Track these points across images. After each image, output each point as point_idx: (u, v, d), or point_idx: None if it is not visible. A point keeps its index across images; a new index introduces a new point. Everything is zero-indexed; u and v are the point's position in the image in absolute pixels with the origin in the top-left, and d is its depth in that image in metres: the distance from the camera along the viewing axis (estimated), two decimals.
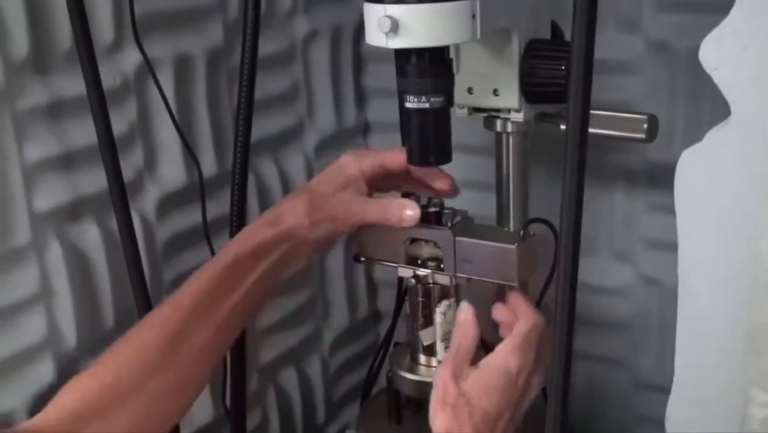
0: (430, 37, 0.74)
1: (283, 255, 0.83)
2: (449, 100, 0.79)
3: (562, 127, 0.83)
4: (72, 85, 0.86)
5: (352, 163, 0.85)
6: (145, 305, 0.93)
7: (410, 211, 0.81)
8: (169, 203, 1.00)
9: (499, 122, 0.91)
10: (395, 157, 0.85)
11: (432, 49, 0.77)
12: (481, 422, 0.75)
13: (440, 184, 0.86)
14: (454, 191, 0.87)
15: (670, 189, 0.63)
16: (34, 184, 0.85)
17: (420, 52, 0.77)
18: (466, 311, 0.80)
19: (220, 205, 1.03)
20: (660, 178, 1.08)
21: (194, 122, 1.02)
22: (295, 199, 0.84)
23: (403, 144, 0.85)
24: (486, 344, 0.82)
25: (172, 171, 1.00)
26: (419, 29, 0.74)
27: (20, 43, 0.82)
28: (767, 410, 0.46)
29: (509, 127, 0.91)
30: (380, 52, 1.16)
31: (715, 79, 0.52)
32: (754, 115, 0.47)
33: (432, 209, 0.84)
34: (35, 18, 0.83)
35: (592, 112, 0.87)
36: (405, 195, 0.86)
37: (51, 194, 0.87)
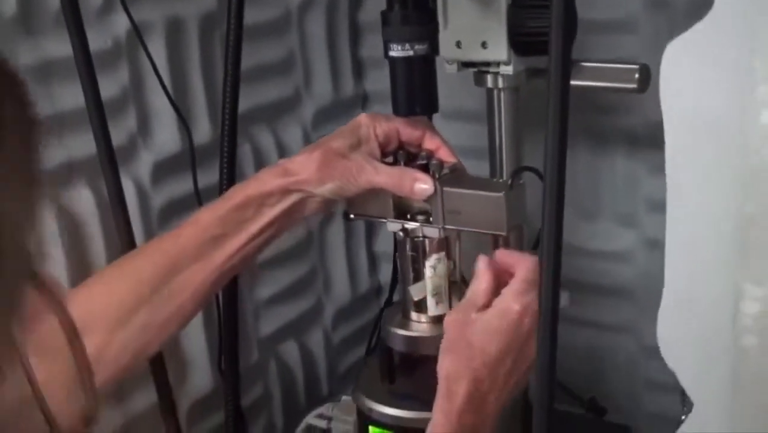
0: None
1: (289, 206, 0.83)
2: (433, 48, 0.79)
3: None
4: (62, 47, 0.86)
5: (368, 124, 0.85)
6: None
7: (424, 184, 0.81)
8: (164, 169, 1.00)
9: (489, 78, 0.90)
10: (412, 131, 0.86)
11: None
12: (481, 364, 0.74)
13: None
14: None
15: None
16: None
17: None
18: (483, 261, 0.79)
19: (215, 173, 1.02)
20: (662, 138, 1.06)
21: (188, 88, 1.02)
22: (309, 152, 0.84)
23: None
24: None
25: (166, 137, 1.00)
26: None
27: (8, 2, 0.82)
28: (760, 305, 0.45)
29: (500, 83, 0.90)
30: (377, 22, 1.16)
31: None
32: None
33: (420, 162, 0.83)
34: None
35: (582, 63, 0.88)
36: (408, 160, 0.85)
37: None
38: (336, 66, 1.20)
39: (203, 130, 1.04)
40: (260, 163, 1.11)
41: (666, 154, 0.50)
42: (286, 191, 0.83)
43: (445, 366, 0.75)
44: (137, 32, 0.92)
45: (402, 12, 0.77)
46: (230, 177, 0.96)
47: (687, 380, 0.51)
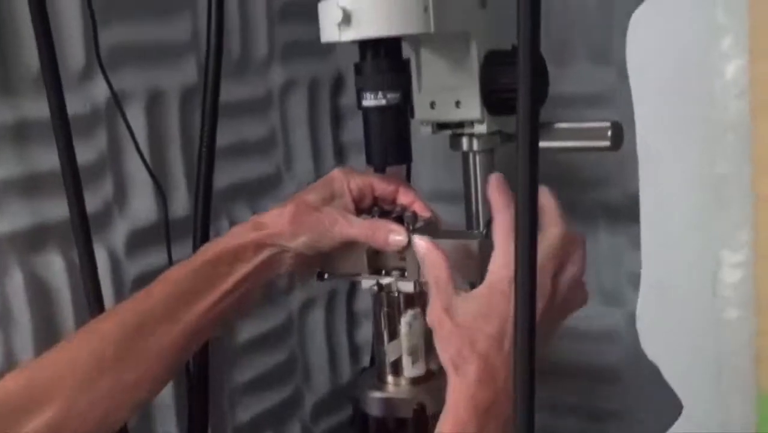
0: (381, 26, 0.75)
1: (263, 262, 0.82)
2: (406, 98, 0.79)
3: None
4: (40, 108, 0.87)
5: (342, 179, 0.85)
6: None
7: (398, 236, 0.80)
8: (140, 239, 0.99)
9: (464, 140, 0.90)
10: (386, 187, 0.85)
11: (387, 45, 0.78)
12: (487, 346, 0.70)
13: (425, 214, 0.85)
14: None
15: None
16: None
17: (375, 48, 0.78)
18: (421, 245, 0.76)
19: (191, 246, 1.01)
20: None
21: (167, 158, 1.02)
22: (282, 206, 0.84)
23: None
24: None
25: (142, 206, 0.99)
26: (371, 19, 0.75)
27: None
28: (739, 271, 0.43)
29: (475, 145, 0.90)
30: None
31: None
32: None
33: (393, 215, 0.82)
34: (3, 39, 0.85)
35: (553, 125, 0.88)
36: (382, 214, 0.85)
37: (12, 217, 0.86)
38: (317, 147, 1.21)
39: (181, 203, 1.03)
40: None
41: (636, 122, 0.49)
42: (259, 246, 0.82)
43: (451, 361, 0.71)
44: (115, 98, 0.93)
45: (374, 61, 0.78)
46: None
47: (671, 373, 0.48)
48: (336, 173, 0.85)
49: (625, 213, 1.07)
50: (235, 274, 0.81)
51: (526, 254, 0.57)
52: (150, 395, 0.81)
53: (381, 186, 0.85)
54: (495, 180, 0.77)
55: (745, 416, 0.46)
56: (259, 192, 1.14)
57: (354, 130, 1.24)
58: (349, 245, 0.83)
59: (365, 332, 1.28)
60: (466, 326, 0.71)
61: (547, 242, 0.73)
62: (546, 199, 0.76)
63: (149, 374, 0.78)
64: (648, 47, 0.48)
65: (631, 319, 1.07)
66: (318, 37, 1.18)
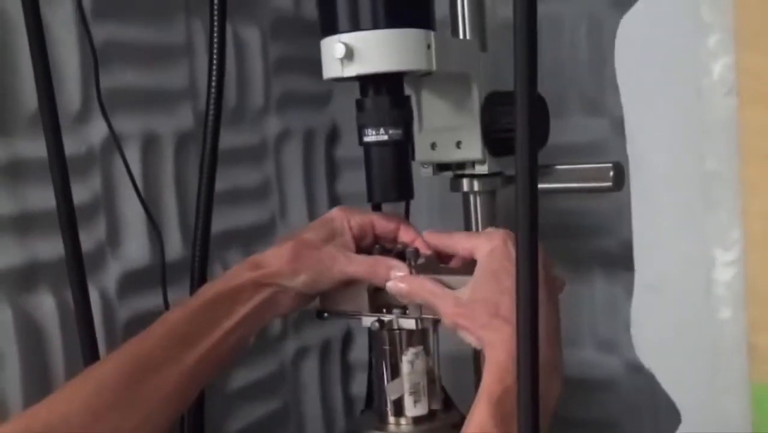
0: (383, 62, 0.76)
1: (262, 302, 0.80)
2: (408, 135, 0.79)
3: None
4: (35, 148, 0.86)
5: (341, 217, 0.84)
6: None
7: (399, 272, 0.79)
8: (132, 282, 0.97)
9: (465, 182, 0.90)
10: (386, 225, 0.85)
11: (389, 81, 0.78)
12: (509, 306, 0.68)
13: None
14: None
15: None
16: None
17: (377, 84, 0.78)
18: (398, 286, 0.78)
19: (183, 291, 0.99)
20: None
21: (161, 203, 1.01)
22: (281, 245, 0.82)
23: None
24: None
25: (136, 248, 0.98)
26: (373, 55, 0.75)
27: None
28: (731, 269, 0.42)
29: (476, 186, 0.90)
30: (353, 157, 1.18)
31: None
32: None
33: (394, 252, 0.81)
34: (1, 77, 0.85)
35: (555, 167, 0.89)
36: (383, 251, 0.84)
37: (3, 255, 0.85)
38: (312, 197, 1.21)
39: (174, 247, 1.02)
40: None
41: (625, 125, 0.50)
42: (258, 285, 0.80)
43: (483, 334, 0.72)
44: (114, 138, 0.92)
45: (376, 97, 0.78)
46: None
47: (666, 377, 0.47)
48: (336, 212, 0.85)
49: (621, 262, 1.07)
50: (234, 315, 0.79)
51: (527, 296, 0.56)
52: None
53: (381, 224, 0.84)
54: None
55: (742, 414, 0.45)
56: (253, 239, 1.12)
57: (349, 181, 1.24)
58: (349, 284, 0.82)
59: (360, 383, 1.25)
60: (480, 300, 0.72)
61: (492, 254, 0.75)
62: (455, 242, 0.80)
63: (149, 422, 0.75)
64: (636, 49, 0.49)
65: (629, 367, 1.08)
66: (314, 89, 1.20)
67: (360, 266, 0.80)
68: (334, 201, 1.24)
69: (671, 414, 1.02)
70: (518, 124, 0.56)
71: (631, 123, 0.50)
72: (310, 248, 0.81)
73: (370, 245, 0.84)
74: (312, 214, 1.20)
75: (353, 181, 1.23)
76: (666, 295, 0.49)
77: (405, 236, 0.84)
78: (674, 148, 0.47)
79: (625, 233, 1.06)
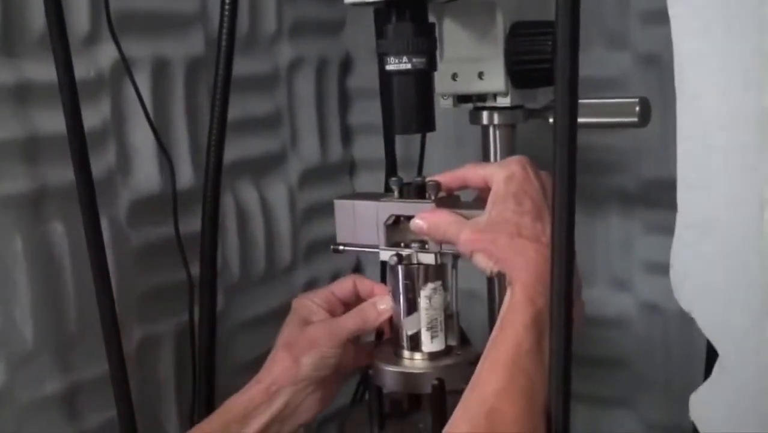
0: None
1: (279, 410, 0.81)
2: (431, 64, 0.76)
3: (551, 120, 0.81)
4: (43, 71, 0.83)
5: (304, 303, 0.85)
6: (110, 313, 0.86)
7: (383, 304, 0.82)
8: (143, 209, 0.95)
9: (485, 114, 0.88)
10: (342, 286, 0.87)
11: (412, 7, 0.75)
12: (530, 225, 0.71)
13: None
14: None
15: (666, 208, 0.59)
16: None
17: (400, 10, 0.75)
18: (416, 223, 0.77)
19: (193, 219, 0.97)
20: (655, 196, 1.04)
21: (171, 130, 0.98)
22: (272, 353, 0.83)
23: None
24: None
25: (146, 175, 0.96)
26: None
27: None
28: None
29: (496, 119, 0.88)
30: (366, 88, 1.15)
31: None
32: None
33: (415, 183, 0.79)
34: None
35: (580, 101, 0.86)
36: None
37: (12, 181, 0.83)
38: (324, 128, 1.18)
39: (185, 175, 1.00)
40: (243, 217, 1.07)
41: (674, 57, 0.47)
42: (266, 397, 0.81)
43: (505, 255, 0.71)
44: (125, 62, 0.90)
45: (399, 24, 0.75)
46: (212, 230, 0.93)
47: (706, 320, 0.46)
48: (295, 303, 0.86)
49: (638, 199, 1.05)
50: (249, 430, 0.80)
51: (563, 235, 0.55)
52: None
53: (338, 288, 0.86)
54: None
55: None
56: (263, 169, 1.11)
57: (362, 112, 1.21)
58: (363, 211, 0.82)
59: None
60: (500, 222, 0.72)
61: (510, 179, 0.74)
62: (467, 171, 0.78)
63: None
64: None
65: (642, 306, 1.07)
66: (327, 15, 1.17)
67: (352, 319, 0.82)
68: (345, 132, 1.22)
69: (683, 354, 1.03)
70: (559, 57, 0.54)
71: (682, 55, 0.47)
72: (297, 337, 0.82)
73: (352, 299, 0.86)
74: (324, 146, 1.18)
75: (366, 112, 1.20)
76: (713, 237, 0.46)
77: (361, 286, 0.86)
78: (731, 84, 0.45)
79: (644, 171, 1.05)
